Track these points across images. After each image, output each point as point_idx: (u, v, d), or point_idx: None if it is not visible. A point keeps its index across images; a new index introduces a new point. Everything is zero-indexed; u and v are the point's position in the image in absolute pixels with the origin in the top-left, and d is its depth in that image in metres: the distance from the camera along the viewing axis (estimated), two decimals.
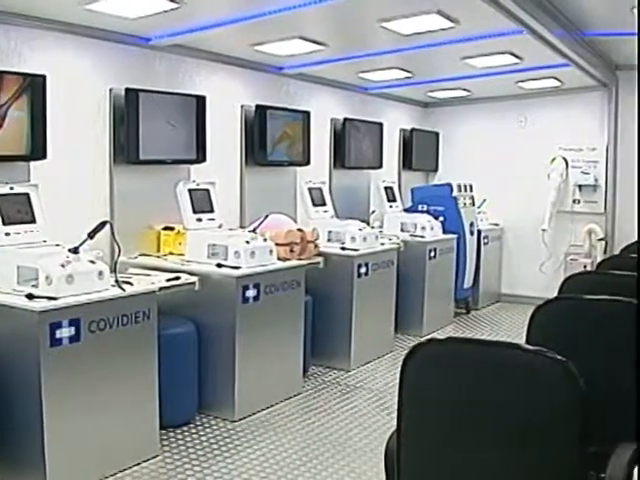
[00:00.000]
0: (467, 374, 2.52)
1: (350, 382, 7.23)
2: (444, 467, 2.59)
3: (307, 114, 8.44)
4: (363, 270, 7.55)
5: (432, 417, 2.59)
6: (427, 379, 2.59)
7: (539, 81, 10.01)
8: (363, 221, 8.50)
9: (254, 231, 6.46)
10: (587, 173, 10.76)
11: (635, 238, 7.86)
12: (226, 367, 6.01)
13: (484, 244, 10.70)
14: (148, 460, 5.17)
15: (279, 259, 6.51)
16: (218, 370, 6.04)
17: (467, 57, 8.24)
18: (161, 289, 5.39)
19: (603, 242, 10.49)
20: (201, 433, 5.76)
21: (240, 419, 6.05)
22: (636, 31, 7.40)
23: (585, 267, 9.95)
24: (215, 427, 5.90)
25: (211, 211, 6.59)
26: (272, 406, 6.40)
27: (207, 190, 6.62)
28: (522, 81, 9.96)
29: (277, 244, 6.53)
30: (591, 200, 10.80)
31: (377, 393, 6.89)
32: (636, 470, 2.67)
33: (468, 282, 10.19)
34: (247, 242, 6.17)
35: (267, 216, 6.68)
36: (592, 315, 3.63)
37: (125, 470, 5.00)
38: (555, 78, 9.86)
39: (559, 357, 2.33)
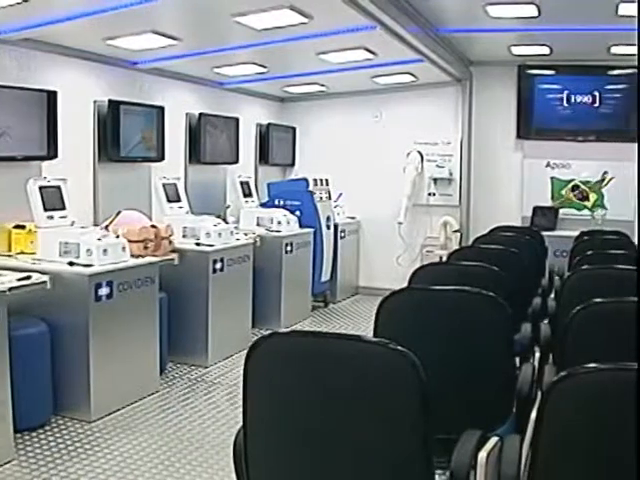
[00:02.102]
0: (310, 367, 2.53)
1: (208, 378, 7.22)
2: (290, 462, 2.60)
3: (161, 109, 8.35)
4: (218, 266, 7.53)
5: (276, 412, 2.60)
6: (270, 373, 2.59)
7: (394, 76, 10.18)
8: (219, 216, 8.50)
9: (106, 228, 6.38)
10: (442, 167, 11.01)
11: (488, 229, 8.08)
12: (80, 367, 5.90)
13: (341, 238, 10.82)
14: (3, 465, 5.03)
15: (133, 256, 6.44)
16: (72, 370, 5.93)
17: (322, 52, 8.31)
18: (11, 289, 5.25)
19: (458, 234, 10.76)
20: (57, 435, 5.64)
21: (97, 419, 5.96)
22: (492, 28, 7.68)
23: (441, 258, 10.14)
24: (71, 428, 5.79)
25: (63, 208, 6.46)
26: (129, 405, 6.33)
27: (58, 187, 6.49)
28: (377, 76, 10.11)
29: (130, 241, 6.46)
30: (446, 193, 11.06)
31: (235, 388, 6.89)
32: (481, 455, 2.74)
33: (325, 275, 10.28)
34: (99, 239, 6.08)
35: (119, 212, 6.60)
36: (438, 305, 3.71)
37: None
38: (410, 73, 10.05)
39: (400, 348, 2.37)
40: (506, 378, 3.66)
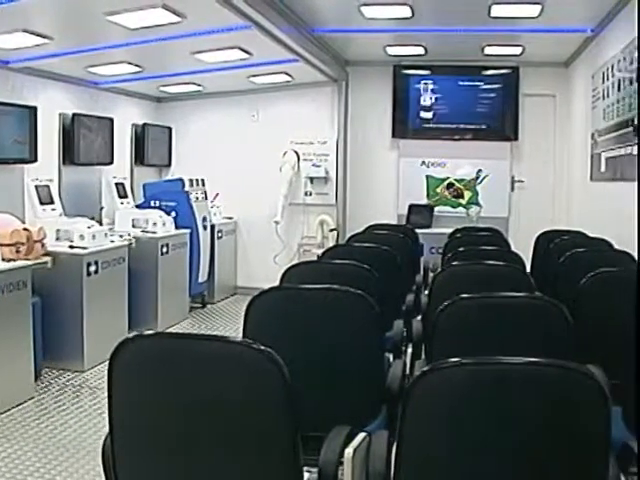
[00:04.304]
0: (173, 369, 2.51)
1: (84, 382, 7.12)
2: (156, 466, 2.58)
3: (34, 110, 8.17)
4: (93, 268, 7.42)
5: (139, 416, 2.58)
6: (133, 376, 2.56)
7: (270, 76, 10.24)
8: (93, 218, 8.37)
9: None
10: (318, 166, 11.09)
11: (362, 228, 8.17)
12: None
13: (218, 238, 10.81)
14: None
15: (4, 260, 6.32)
16: None
17: (197, 52, 8.31)
18: None
19: (335, 232, 10.86)
20: None
21: None
22: (365, 29, 7.79)
23: (318, 257, 10.20)
24: None
25: None
26: (4, 412, 6.19)
27: None
28: (253, 76, 10.15)
29: (1, 244, 6.35)
30: (322, 192, 11.15)
31: None
32: (347, 451, 2.77)
33: (203, 276, 10.26)
34: None
35: None
36: (306, 304, 3.74)
37: None
38: (286, 73, 10.12)
39: (263, 348, 2.38)
40: (375, 375, 3.71)
